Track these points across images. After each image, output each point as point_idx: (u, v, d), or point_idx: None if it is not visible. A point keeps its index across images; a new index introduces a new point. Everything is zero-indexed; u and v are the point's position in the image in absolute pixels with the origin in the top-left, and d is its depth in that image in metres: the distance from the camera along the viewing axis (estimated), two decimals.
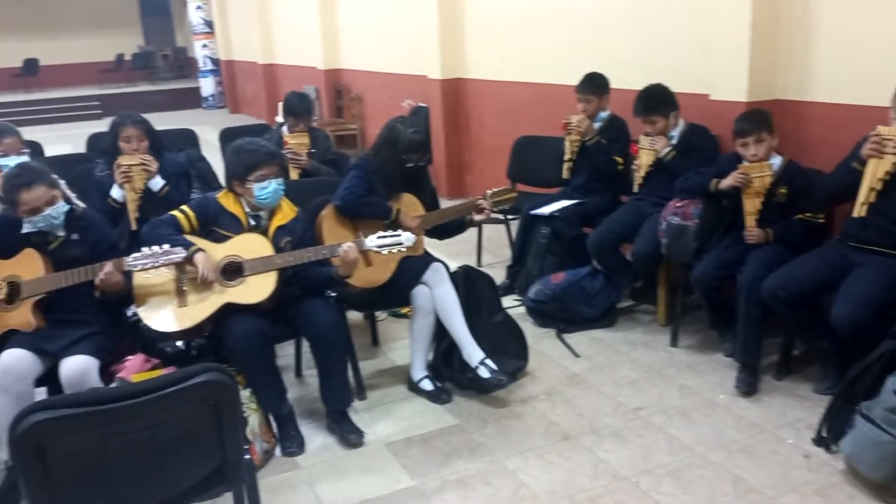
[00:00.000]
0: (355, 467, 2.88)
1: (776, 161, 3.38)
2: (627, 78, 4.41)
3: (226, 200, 3.03)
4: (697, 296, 3.54)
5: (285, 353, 3.59)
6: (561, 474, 2.77)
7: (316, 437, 3.08)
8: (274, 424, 2.98)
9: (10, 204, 2.78)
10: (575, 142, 4.31)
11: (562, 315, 4.00)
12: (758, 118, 3.36)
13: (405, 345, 3.74)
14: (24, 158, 3.64)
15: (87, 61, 19.50)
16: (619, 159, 4.24)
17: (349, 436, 3.00)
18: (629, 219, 4.00)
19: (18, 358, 2.62)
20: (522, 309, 4.18)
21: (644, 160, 3.92)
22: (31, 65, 18.43)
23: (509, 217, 4.92)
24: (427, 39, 7.00)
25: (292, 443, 2.96)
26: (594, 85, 4.32)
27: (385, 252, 2.98)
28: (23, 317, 2.72)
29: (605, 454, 2.88)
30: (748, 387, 3.23)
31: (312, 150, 4.67)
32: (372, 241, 2.97)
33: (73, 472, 1.78)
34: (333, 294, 3.29)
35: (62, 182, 3.00)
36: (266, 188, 2.94)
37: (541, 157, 4.89)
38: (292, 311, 3.03)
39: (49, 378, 2.74)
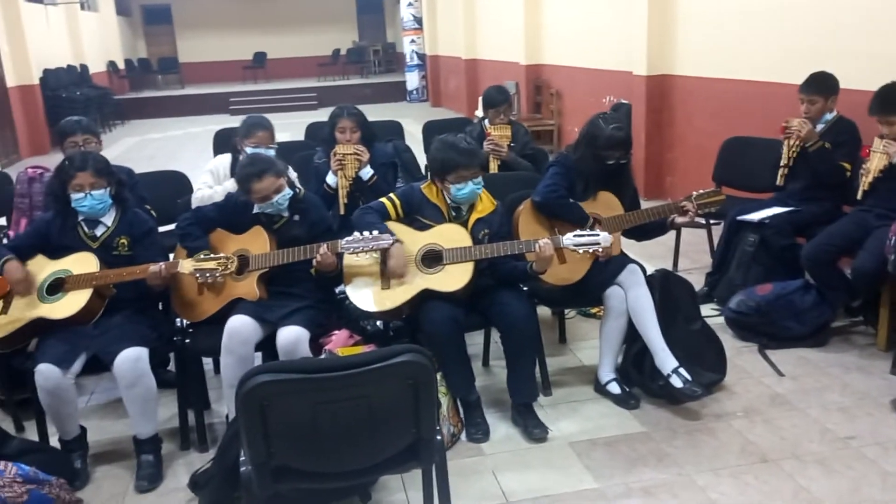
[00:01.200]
0: (538, 461, 2.90)
1: None
2: (860, 77, 4.02)
3: (429, 191, 3.16)
4: None
5: (474, 342, 3.68)
6: (756, 497, 2.61)
7: (500, 427, 3.13)
8: (461, 410, 3.08)
9: (243, 191, 3.08)
10: (794, 147, 4.01)
11: (766, 329, 3.75)
12: None
13: (593, 345, 3.70)
14: (272, 152, 3.80)
15: (307, 55, 21.10)
16: (847, 165, 3.89)
17: (533, 430, 3.02)
18: (851, 231, 3.66)
19: (243, 324, 2.90)
20: (721, 319, 3.97)
21: (874, 164, 3.57)
22: (259, 58, 20.26)
23: (712, 221, 4.68)
24: (635, 35, 6.82)
25: (478, 429, 3.04)
26: (821, 85, 3.99)
27: (581, 251, 2.96)
28: (249, 287, 3.01)
29: (807, 482, 2.67)
30: None
31: (512, 144, 4.73)
32: (568, 239, 2.95)
33: (287, 430, 1.96)
34: (525, 288, 3.32)
35: (290, 168, 3.27)
36: (462, 189, 3.04)
37: (752, 160, 4.61)
38: (486, 302, 3.10)
39: (265, 344, 3.01)
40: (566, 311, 4.02)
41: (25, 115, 11.80)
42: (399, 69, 20.35)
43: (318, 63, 20.03)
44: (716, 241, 4.47)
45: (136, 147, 12.32)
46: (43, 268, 2.98)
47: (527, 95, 10.27)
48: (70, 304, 2.86)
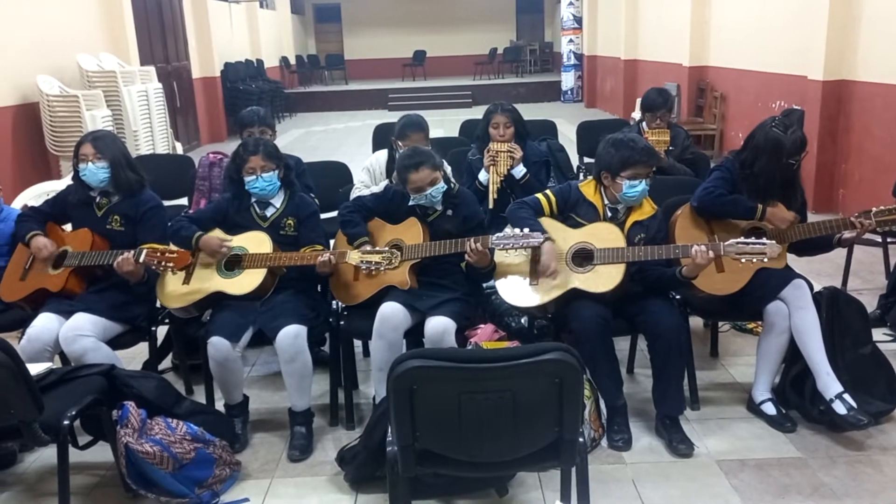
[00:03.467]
0: (681, 476, 2.80)
1: None
2: None
3: (587, 189, 3.13)
4: None
5: (619, 347, 3.60)
6: None
7: (643, 438, 3.05)
8: (604, 415, 3.03)
9: (401, 181, 3.18)
10: None
11: None
12: None
13: (748, 361, 3.52)
14: None
15: (464, 54, 21.43)
16: None
17: (678, 444, 2.92)
18: None
19: (394, 311, 3.01)
20: (895, 346, 3.65)
21: None
22: (419, 56, 20.81)
23: (889, 241, 4.31)
24: (812, 36, 6.40)
25: (620, 437, 2.98)
26: None
27: (743, 260, 2.82)
28: (401, 276, 3.11)
29: None
30: None
31: (670, 148, 4.59)
32: (730, 246, 2.82)
33: (433, 416, 2.02)
34: (677, 296, 3.22)
35: (445, 163, 3.35)
36: (635, 187, 2.97)
37: None
38: (634, 308, 3.03)
39: (413, 331, 3.10)
40: (720, 323, 3.84)
41: (207, 104, 12.83)
42: (554, 69, 20.24)
43: (474, 62, 20.28)
44: (892, 261, 4.11)
45: (301, 138, 13.04)
46: None
47: (688, 98, 9.89)
48: (247, 282, 3.08)
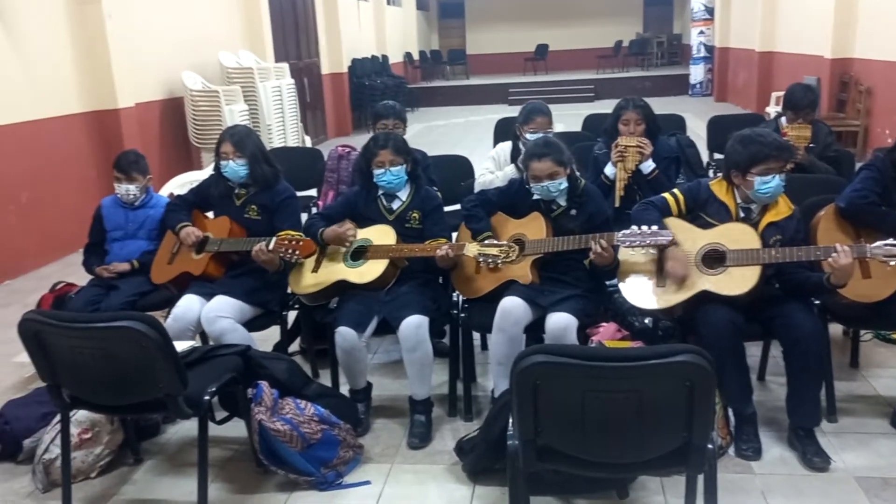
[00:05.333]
0: (815, 491, 2.65)
1: None
2: None
3: (718, 188, 3.00)
4: None
5: (750, 353, 3.44)
6: None
7: (773, 448, 2.91)
8: (732, 422, 2.91)
9: (524, 167, 3.18)
10: None
11: None
12: None
13: (893, 374, 3.28)
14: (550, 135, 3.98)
15: (587, 47, 21.07)
16: None
17: (813, 458, 2.76)
18: None
19: (516, 305, 3.00)
20: None
21: None
22: (541, 50, 20.64)
23: None
24: None
25: (749, 446, 2.85)
26: None
27: (892, 263, 2.62)
28: (523, 270, 3.10)
29: None
30: None
31: (811, 145, 4.33)
32: (878, 248, 2.63)
33: (556, 412, 2.00)
34: (817, 301, 3.04)
35: (573, 161, 3.30)
36: (768, 183, 2.83)
37: None
38: (769, 312, 2.89)
39: (533, 327, 3.08)
40: (861, 332, 3.60)
41: (334, 99, 13.28)
42: (683, 62, 19.54)
43: (597, 55, 19.90)
44: None
45: (422, 133, 13.25)
46: None
47: (829, 92, 9.29)
48: (369, 272, 3.17)
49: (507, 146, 4.19)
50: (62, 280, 4.10)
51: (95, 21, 6.53)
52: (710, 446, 2.03)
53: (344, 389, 3.29)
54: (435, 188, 3.79)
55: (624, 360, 1.88)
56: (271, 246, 3.20)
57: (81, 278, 3.94)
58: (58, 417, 2.85)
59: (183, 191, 4.29)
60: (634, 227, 2.89)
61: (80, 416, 2.90)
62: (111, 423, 2.98)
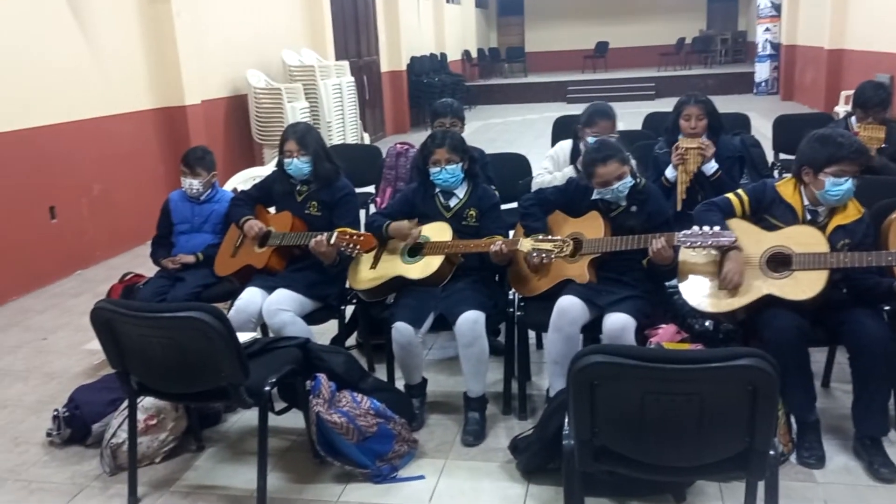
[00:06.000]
0: (882, 503, 2.56)
1: None
2: None
3: (784, 189, 2.93)
4: None
5: (814, 359, 3.34)
6: None
7: (837, 457, 2.82)
8: (794, 429, 2.83)
9: (586, 175, 3.15)
10: None
11: None
12: None
13: None
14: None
15: (649, 45, 20.73)
16: None
17: (880, 468, 2.68)
18: None
19: (573, 304, 2.98)
20: None
21: None
22: (601, 47, 20.41)
23: None
24: None
25: (812, 454, 2.77)
26: None
27: None
28: (580, 270, 3.08)
29: None
30: None
31: (884, 146, 4.19)
32: None
33: (613, 413, 1.99)
34: (887, 307, 2.93)
35: (632, 158, 3.27)
36: (840, 185, 2.74)
37: None
38: (836, 317, 2.81)
39: (590, 327, 3.06)
40: None
41: (393, 97, 13.39)
42: (747, 59, 19.07)
43: (659, 52, 19.56)
44: None
45: (479, 130, 13.25)
46: None
47: None
48: (425, 267, 3.20)
49: (566, 145, 4.16)
50: (131, 271, 4.25)
51: (165, 19, 6.73)
52: (772, 452, 1.99)
53: (399, 384, 3.32)
54: (492, 186, 3.80)
55: (685, 362, 1.86)
56: (333, 240, 3.25)
57: (149, 270, 4.08)
58: (125, 403, 2.96)
59: (246, 186, 4.39)
60: (696, 228, 2.84)
61: (146, 402, 3.00)
62: (176, 411, 3.07)
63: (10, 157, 5.23)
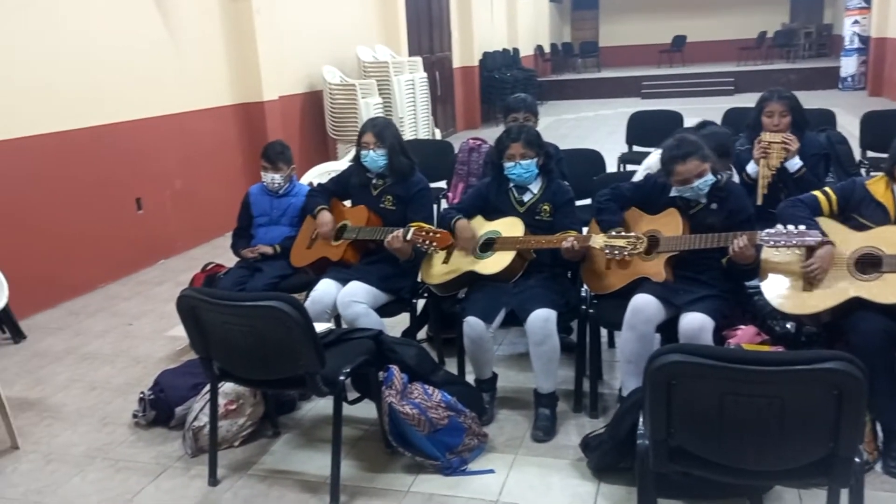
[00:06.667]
0: None
1: None
2: None
3: (875, 187, 2.81)
4: None
5: None
6: None
7: None
8: (880, 437, 2.72)
9: (665, 173, 3.08)
10: None
11: None
12: None
13: None
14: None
15: (728, 39, 20.16)
16: None
17: None
18: None
19: (648, 303, 2.94)
20: None
21: None
22: (678, 41, 19.95)
23: None
24: None
25: None
26: None
27: None
28: (656, 268, 3.02)
29: None
30: None
31: None
32: None
33: (690, 414, 1.95)
34: None
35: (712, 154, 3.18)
36: None
37: None
38: None
39: (665, 326, 3.01)
40: None
41: (464, 93, 13.42)
42: (833, 53, 18.32)
43: (739, 47, 18.98)
44: None
45: (551, 126, 13.14)
46: (480, 227, 3.38)
47: None
48: (496, 263, 3.20)
49: None
50: (211, 261, 4.40)
51: (245, 16, 6.92)
52: (857, 459, 1.92)
53: (469, 379, 3.34)
54: (566, 182, 3.77)
55: (768, 363, 1.80)
56: (409, 236, 3.29)
57: (227, 260, 4.21)
58: (207, 388, 3.07)
59: (321, 180, 4.49)
60: (780, 226, 2.76)
61: (226, 388, 3.10)
62: (254, 397, 3.17)
63: (102, 151, 5.48)
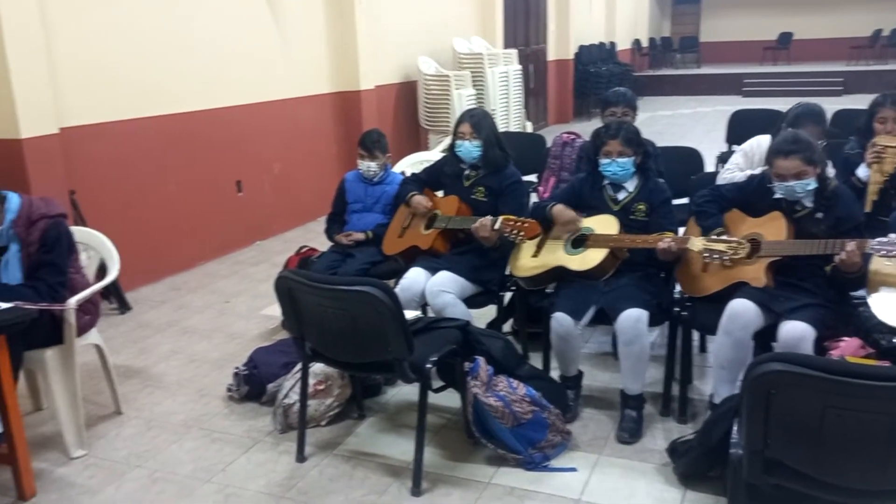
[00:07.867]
0: None
1: None
2: None
3: None
4: None
5: None
6: None
7: None
8: None
9: (767, 162, 2.97)
10: None
11: None
12: None
13: None
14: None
15: (838, 37, 19.17)
16: None
17: None
18: None
19: (746, 308, 2.84)
20: None
21: None
22: (784, 38, 19.12)
23: None
24: None
25: None
26: None
27: None
28: (757, 273, 2.92)
29: None
30: None
31: None
32: None
33: (789, 425, 1.88)
34: None
35: (828, 161, 3.04)
36: None
37: None
38: None
39: (762, 333, 2.90)
40: None
41: (557, 86, 13.28)
42: None
43: (850, 45, 18.02)
44: None
45: (646, 122, 12.82)
46: None
47: None
48: (587, 260, 3.16)
49: (764, 141, 3.85)
50: (305, 244, 4.52)
51: (347, 7, 7.05)
52: None
53: (554, 374, 3.32)
54: (662, 180, 3.68)
55: (876, 378, 1.72)
56: (497, 225, 3.29)
57: (320, 244, 4.32)
58: (298, 367, 3.16)
59: (413, 170, 4.54)
60: (893, 235, 2.61)
61: (316, 368, 3.19)
62: (342, 379, 3.25)
63: (211, 134, 5.72)
